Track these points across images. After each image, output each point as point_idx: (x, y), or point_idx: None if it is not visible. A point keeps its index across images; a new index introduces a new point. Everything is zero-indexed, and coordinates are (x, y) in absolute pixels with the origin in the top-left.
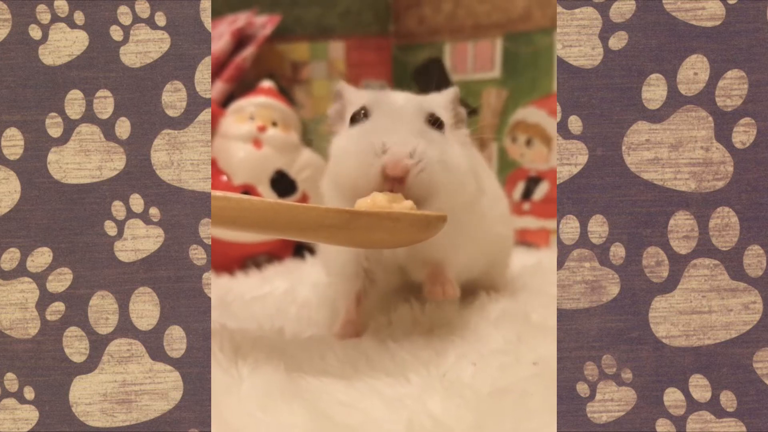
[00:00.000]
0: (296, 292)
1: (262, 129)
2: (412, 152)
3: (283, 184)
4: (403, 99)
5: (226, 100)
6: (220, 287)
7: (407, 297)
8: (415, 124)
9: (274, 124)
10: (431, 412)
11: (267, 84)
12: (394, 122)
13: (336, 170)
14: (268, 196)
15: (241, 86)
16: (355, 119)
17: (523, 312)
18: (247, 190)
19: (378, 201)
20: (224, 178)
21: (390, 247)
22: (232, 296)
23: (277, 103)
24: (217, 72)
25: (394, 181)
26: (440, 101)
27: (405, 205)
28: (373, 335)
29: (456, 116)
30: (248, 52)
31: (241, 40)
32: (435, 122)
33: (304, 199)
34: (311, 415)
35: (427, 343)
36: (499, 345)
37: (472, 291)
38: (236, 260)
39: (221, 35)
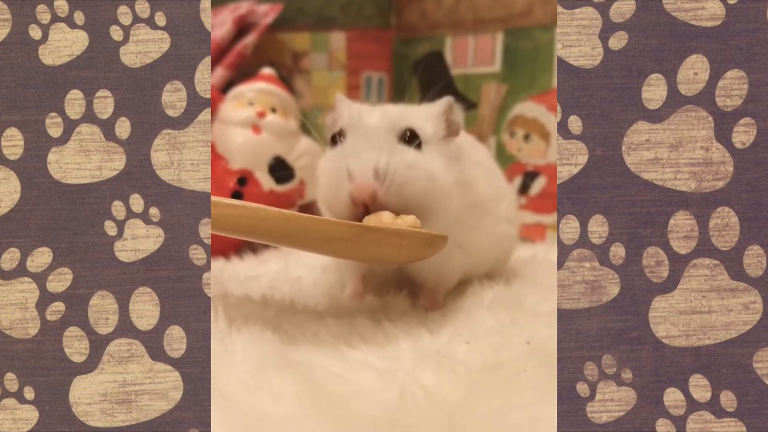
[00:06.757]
0: (289, 270)
1: (261, 115)
2: (376, 172)
3: (281, 170)
4: (378, 117)
5: (226, 87)
6: (214, 269)
7: (404, 284)
8: (385, 142)
9: (274, 110)
10: (423, 384)
11: (267, 71)
12: (363, 144)
13: (318, 192)
14: (266, 181)
15: (242, 74)
16: (334, 140)
17: (517, 297)
18: (245, 174)
19: (384, 218)
20: (223, 163)
21: (395, 263)
22: (226, 276)
23: (276, 90)
24: (217, 58)
25: (364, 205)
26: (426, 113)
27: (407, 220)
28: (368, 315)
29: (448, 127)
30: (249, 39)
31: (242, 27)
32: (410, 137)
33: (301, 186)
34: (304, 385)
35: (420, 323)
36: (492, 326)
37: (467, 278)
38: (233, 247)
39: (223, 22)
